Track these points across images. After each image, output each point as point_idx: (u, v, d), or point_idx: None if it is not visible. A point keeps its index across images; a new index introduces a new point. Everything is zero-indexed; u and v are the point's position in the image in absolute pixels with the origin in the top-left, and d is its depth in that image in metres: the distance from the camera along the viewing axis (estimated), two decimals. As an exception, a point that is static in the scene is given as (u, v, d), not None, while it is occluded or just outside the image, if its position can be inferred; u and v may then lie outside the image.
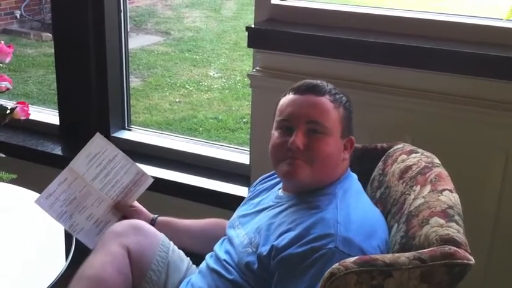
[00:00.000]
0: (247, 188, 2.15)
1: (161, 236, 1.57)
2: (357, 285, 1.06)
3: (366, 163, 1.54)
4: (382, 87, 1.85)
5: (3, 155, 1.57)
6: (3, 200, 1.89)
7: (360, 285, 1.06)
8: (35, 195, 1.68)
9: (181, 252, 1.59)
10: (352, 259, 1.09)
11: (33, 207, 1.63)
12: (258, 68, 2.05)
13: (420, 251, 1.10)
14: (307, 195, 1.37)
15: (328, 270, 1.08)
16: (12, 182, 1.69)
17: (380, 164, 1.52)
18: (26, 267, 1.59)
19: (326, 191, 1.36)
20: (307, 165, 1.34)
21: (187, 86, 4.76)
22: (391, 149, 1.52)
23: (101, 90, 2.49)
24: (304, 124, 1.35)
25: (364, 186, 1.47)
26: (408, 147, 1.51)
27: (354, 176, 1.45)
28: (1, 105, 1.63)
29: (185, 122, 4.19)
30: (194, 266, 1.59)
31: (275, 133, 1.40)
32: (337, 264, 1.08)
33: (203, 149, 2.45)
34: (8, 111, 1.62)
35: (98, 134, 1.72)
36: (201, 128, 4.09)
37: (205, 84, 4.81)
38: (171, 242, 1.58)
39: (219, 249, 1.47)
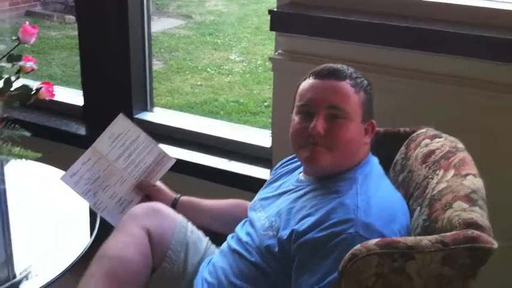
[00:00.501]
0: (268, 171, 2.16)
1: (179, 218, 1.58)
2: (378, 267, 1.06)
3: (388, 147, 1.53)
4: (405, 71, 1.83)
5: (28, 134, 1.59)
6: (29, 177, 1.93)
7: (382, 267, 1.06)
8: (60, 172, 1.71)
9: (201, 233, 1.61)
10: (373, 241, 1.09)
11: (59, 184, 1.66)
12: (280, 51, 2.04)
13: (443, 234, 1.10)
14: (328, 180, 1.37)
15: (350, 251, 1.08)
16: (36, 160, 1.71)
17: (403, 148, 1.51)
18: (52, 243, 1.63)
19: (347, 176, 1.35)
20: (328, 151, 1.34)
21: (208, 69, 4.76)
22: (414, 134, 1.51)
23: (124, 72, 2.50)
24: (325, 109, 1.34)
25: (386, 170, 1.47)
26: (431, 131, 1.50)
27: (375, 160, 1.44)
28: (26, 85, 1.64)
29: (206, 105, 4.20)
30: (214, 245, 1.61)
31: (295, 118, 1.40)
32: (358, 245, 1.08)
33: (225, 131, 2.46)
34: (33, 92, 1.63)
35: (121, 114, 1.73)
36: (222, 112, 4.10)
37: (227, 68, 4.81)
38: (189, 223, 1.59)
39: (241, 230, 1.48)
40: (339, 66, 1.40)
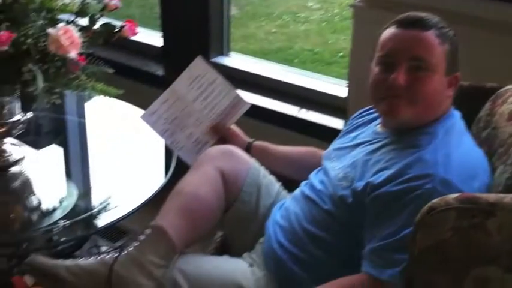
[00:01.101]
0: (342, 121, 2.14)
1: (252, 161, 1.60)
2: (457, 221, 1.04)
3: (472, 102, 1.47)
4: (494, 24, 1.75)
5: (112, 71, 1.63)
6: (109, 114, 1.99)
7: (461, 222, 1.04)
8: (139, 111, 1.76)
9: (273, 178, 1.62)
10: (453, 195, 1.06)
11: (137, 122, 1.70)
12: (361, -2, 1.99)
13: (527, 193, 1.07)
14: (407, 133, 1.33)
15: (428, 204, 1.06)
16: (116, 98, 1.76)
17: (488, 103, 1.45)
18: (130, 178, 1.69)
19: (427, 130, 1.31)
20: (409, 105, 1.30)
21: (284, 16, 4.71)
22: (502, 89, 1.45)
23: (202, 16, 2.51)
24: (407, 61, 1.30)
25: (468, 126, 1.42)
26: (520, 88, 1.43)
27: (458, 114, 1.39)
28: (109, 23, 1.67)
29: (281, 53, 4.17)
30: (285, 191, 1.62)
31: (375, 69, 1.36)
32: (437, 199, 1.06)
33: (300, 79, 2.44)
34: (117, 29, 1.66)
35: (199, 57, 1.74)
36: (296, 60, 4.06)
37: (303, 15, 4.73)
38: (262, 168, 1.61)
39: (315, 178, 1.48)
40: (423, 15, 1.34)
